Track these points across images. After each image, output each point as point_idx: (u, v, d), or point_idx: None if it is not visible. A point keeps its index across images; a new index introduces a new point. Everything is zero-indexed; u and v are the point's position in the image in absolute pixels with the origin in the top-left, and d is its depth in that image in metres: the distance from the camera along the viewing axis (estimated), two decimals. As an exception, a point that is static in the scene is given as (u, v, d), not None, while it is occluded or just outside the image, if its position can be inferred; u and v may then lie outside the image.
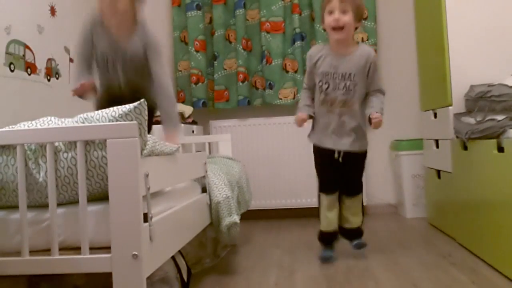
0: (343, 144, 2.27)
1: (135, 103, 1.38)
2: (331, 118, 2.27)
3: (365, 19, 3.48)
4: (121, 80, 2.15)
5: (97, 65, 2.19)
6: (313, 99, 2.36)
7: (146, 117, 1.39)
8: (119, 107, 1.38)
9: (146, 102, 1.41)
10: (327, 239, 2.36)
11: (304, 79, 2.41)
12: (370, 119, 2.21)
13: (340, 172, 2.31)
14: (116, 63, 2.13)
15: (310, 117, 2.34)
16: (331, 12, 2.17)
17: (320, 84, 2.26)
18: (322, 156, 2.33)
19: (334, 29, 2.17)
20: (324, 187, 2.33)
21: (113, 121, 1.36)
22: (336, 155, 2.28)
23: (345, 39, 2.20)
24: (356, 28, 2.25)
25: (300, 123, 2.30)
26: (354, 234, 2.38)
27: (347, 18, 2.15)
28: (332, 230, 2.33)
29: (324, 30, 2.41)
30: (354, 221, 2.37)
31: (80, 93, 2.09)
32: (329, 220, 2.31)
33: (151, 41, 2.11)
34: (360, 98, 2.27)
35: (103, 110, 1.40)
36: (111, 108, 1.39)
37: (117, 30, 2.09)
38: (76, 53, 2.20)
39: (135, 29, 2.11)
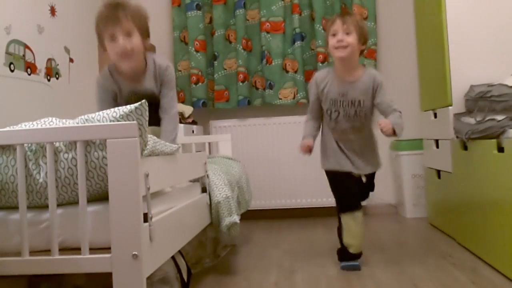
0: (363, 169, 2.22)
1: (136, 104, 1.38)
2: (344, 144, 2.22)
3: (365, 19, 3.48)
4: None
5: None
6: (317, 128, 2.30)
7: (147, 118, 1.39)
8: (120, 107, 1.39)
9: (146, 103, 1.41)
10: (350, 255, 2.20)
11: (308, 109, 2.31)
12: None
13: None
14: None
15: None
16: (334, 35, 2.13)
17: (329, 112, 2.21)
18: (343, 177, 2.21)
19: (337, 48, 2.12)
20: (349, 203, 2.19)
21: (114, 122, 1.36)
22: (357, 175, 2.23)
23: (348, 58, 2.13)
24: (361, 52, 2.19)
25: (306, 149, 2.22)
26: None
27: (351, 39, 2.10)
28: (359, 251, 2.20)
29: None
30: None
31: None
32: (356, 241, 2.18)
33: (163, 74, 2.01)
34: (369, 121, 2.23)
35: (104, 111, 1.40)
36: (112, 109, 1.39)
37: (131, 74, 1.97)
38: (99, 102, 2.04)
39: (145, 65, 2.00)
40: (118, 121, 1.35)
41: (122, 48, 1.84)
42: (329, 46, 2.17)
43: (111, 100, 2.03)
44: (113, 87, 2.01)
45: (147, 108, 1.40)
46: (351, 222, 2.17)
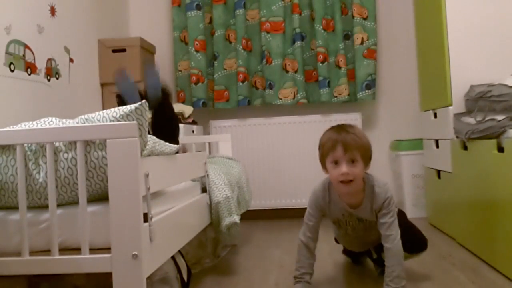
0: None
1: (136, 104, 1.38)
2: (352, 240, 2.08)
3: (365, 19, 3.48)
4: None
5: None
6: (313, 258, 1.96)
7: (147, 118, 1.39)
8: (120, 107, 1.39)
9: (147, 103, 1.41)
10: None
11: (308, 210, 1.95)
12: None
13: None
14: None
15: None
16: (336, 163, 1.77)
17: (335, 224, 2.02)
18: None
19: (343, 182, 1.79)
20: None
21: (114, 122, 1.36)
22: None
23: (354, 190, 1.84)
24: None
25: None
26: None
27: (357, 170, 1.76)
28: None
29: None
30: None
31: None
32: None
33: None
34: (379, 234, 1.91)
35: (104, 110, 1.40)
36: (112, 109, 1.39)
37: None
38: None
39: None
40: (118, 121, 1.35)
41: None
42: (329, 174, 1.83)
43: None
44: None
45: (147, 108, 1.40)
46: None
